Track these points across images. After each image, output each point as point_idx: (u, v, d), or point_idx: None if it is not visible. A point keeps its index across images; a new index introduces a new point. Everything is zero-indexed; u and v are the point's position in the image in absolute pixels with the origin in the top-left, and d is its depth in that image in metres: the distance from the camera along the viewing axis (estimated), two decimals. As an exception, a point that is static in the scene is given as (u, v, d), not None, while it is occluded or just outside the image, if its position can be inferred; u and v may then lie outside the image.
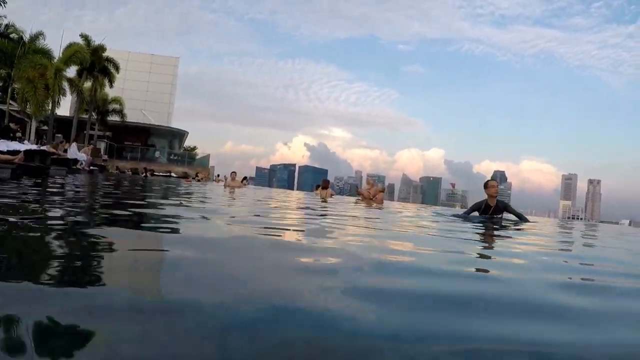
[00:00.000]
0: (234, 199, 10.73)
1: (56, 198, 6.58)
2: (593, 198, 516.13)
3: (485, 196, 9.43)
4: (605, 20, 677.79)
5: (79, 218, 4.07)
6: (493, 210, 9.24)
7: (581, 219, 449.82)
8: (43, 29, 33.10)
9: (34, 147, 16.16)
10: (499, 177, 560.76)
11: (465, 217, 9.37)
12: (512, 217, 9.81)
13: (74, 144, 23.48)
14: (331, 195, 19.52)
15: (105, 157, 47.24)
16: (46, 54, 31.93)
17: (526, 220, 9.68)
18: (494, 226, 7.53)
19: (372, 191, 17.65)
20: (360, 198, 18.30)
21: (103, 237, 2.90)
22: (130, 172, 23.14)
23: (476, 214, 9.42)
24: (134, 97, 56.95)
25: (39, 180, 10.44)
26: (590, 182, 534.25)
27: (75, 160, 22.04)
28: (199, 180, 33.21)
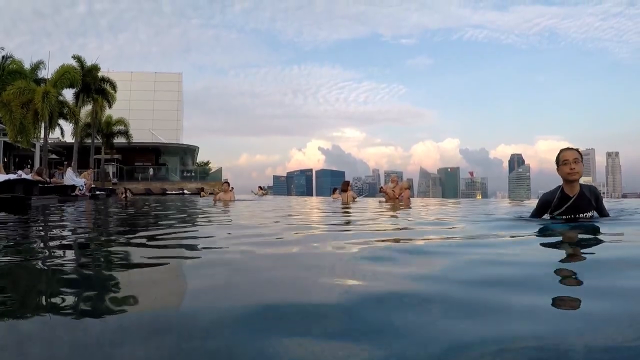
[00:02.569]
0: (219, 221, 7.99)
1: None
2: (613, 171, 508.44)
3: (557, 181, 5.42)
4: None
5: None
6: (576, 204, 5.20)
7: (603, 193, 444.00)
8: (50, 61, 32.07)
9: (12, 176, 14.63)
10: (516, 160, 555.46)
11: (543, 225, 5.14)
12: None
13: (69, 169, 22.05)
14: (354, 199, 16.94)
15: (115, 180, 46.19)
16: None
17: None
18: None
19: (397, 189, 15.84)
20: (384, 198, 16.43)
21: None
22: (123, 195, 21.62)
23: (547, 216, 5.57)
24: (141, 117, 56.39)
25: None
26: (609, 154, 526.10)
27: (74, 187, 20.67)
28: (202, 196, 31.68)
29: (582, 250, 3.41)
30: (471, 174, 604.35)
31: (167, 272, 2.82)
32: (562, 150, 5.32)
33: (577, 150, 5.26)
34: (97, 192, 25.12)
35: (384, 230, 5.04)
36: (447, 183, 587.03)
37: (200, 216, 9.11)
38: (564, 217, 5.30)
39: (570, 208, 5.24)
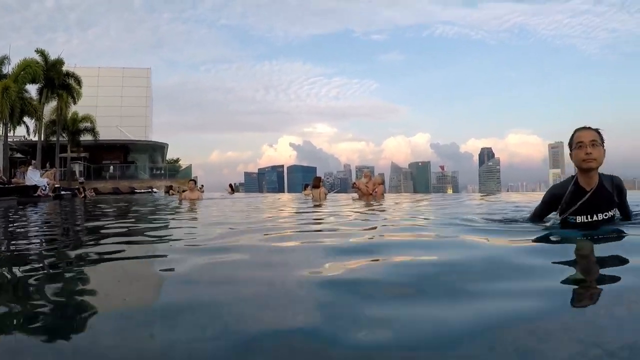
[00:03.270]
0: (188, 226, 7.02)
1: None
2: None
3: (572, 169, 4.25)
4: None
5: None
6: (594, 200, 3.99)
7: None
8: (17, 56, 31.06)
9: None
10: (486, 154, 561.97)
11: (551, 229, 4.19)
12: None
13: (30, 169, 21.17)
14: (325, 195, 16.95)
15: (82, 179, 45.04)
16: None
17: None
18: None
19: (370, 185, 15.53)
20: (357, 194, 16.05)
21: None
22: (82, 195, 20.97)
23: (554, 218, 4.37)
24: (109, 114, 54.99)
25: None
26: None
27: (36, 187, 19.86)
28: (171, 194, 31.03)
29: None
30: (442, 168, 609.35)
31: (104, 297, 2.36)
32: (576, 130, 4.04)
33: (596, 130, 3.97)
34: (62, 192, 24.25)
35: (357, 241, 4.43)
36: (419, 177, 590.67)
37: (159, 218, 8.68)
38: (577, 218, 4.04)
39: (586, 205, 4.00)
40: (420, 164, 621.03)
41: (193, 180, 19.09)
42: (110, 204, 15.96)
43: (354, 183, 16.53)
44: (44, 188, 20.28)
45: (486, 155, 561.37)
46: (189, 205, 13.11)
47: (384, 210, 8.69)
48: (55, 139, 41.82)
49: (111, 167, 52.16)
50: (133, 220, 8.43)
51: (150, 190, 43.11)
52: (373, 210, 9.01)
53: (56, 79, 36.81)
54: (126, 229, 6.37)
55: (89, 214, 10.85)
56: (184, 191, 18.50)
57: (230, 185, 33.43)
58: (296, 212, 9.34)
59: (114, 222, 7.99)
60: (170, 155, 69.68)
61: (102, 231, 6.09)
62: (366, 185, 15.46)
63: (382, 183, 15.96)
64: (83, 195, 20.57)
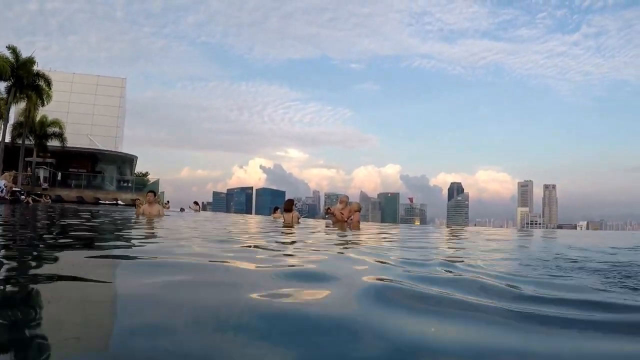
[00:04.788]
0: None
1: None
2: (550, 203, 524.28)
3: None
4: (549, 30, 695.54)
5: None
6: None
7: (539, 224, 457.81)
8: None
9: None
10: (456, 189, 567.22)
11: None
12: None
13: (-13, 171, 20.21)
14: (298, 219, 15.57)
15: (46, 185, 43.82)
16: None
17: None
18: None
19: (346, 212, 14.79)
20: (331, 221, 15.30)
21: None
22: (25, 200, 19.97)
23: None
24: (80, 121, 54.04)
25: None
26: (546, 187, 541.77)
27: (-6, 190, 18.87)
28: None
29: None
30: (411, 200, 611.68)
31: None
32: None
33: None
34: (22, 197, 23.18)
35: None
36: (387, 208, 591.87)
37: (105, 236, 7.77)
38: None
39: None
40: (389, 194, 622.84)
41: (152, 191, 16.08)
42: (55, 212, 15.04)
43: (328, 208, 15.63)
44: (0, 191, 19.26)
45: (455, 189, 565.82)
46: (145, 221, 11.42)
47: (358, 243, 7.62)
48: (26, 142, 40.69)
49: (78, 175, 50.69)
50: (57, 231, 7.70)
51: (115, 202, 41.99)
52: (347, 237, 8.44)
53: (25, 78, 35.70)
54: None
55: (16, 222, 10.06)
56: (139, 205, 15.66)
57: (196, 202, 32.57)
58: (273, 233, 8.78)
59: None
60: (139, 168, 68.34)
61: None
62: (341, 212, 14.74)
63: (359, 210, 15.05)
64: (27, 200, 19.42)
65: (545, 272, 4.10)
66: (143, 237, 6.95)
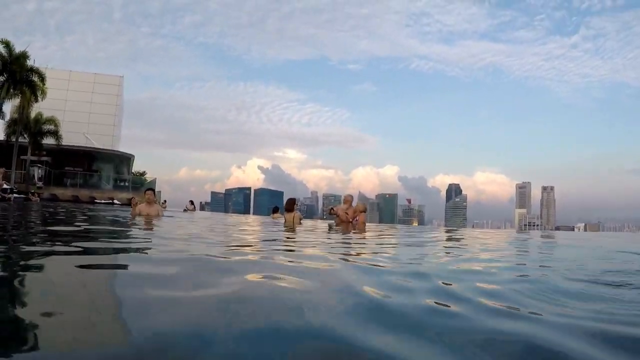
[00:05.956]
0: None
1: None
2: (548, 205, 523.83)
3: None
4: (548, 32, 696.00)
5: None
6: None
7: (537, 225, 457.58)
8: None
9: None
10: (454, 190, 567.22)
11: None
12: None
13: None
14: (300, 220, 14.36)
15: (40, 184, 43.11)
16: None
17: None
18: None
19: (351, 212, 14.09)
20: (335, 222, 14.54)
21: None
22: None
23: None
24: (76, 120, 53.50)
25: None
26: (544, 189, 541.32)
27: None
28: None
29: None
30: (409, 201, 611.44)
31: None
32: None
33: None
34: (13, 195, 22.45)
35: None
36: (385, 209, 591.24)
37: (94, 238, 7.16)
38: None
39: None
40: (387, 195, 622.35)
41: (151, 189, 14.81)
42: (39, 211, 14.28)
43: (332, 208, 14.90)
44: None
45: (454, 191, 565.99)
46: (143, 222, 10.50)
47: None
48: (21, 140, 40.09)
49: (73, 174, 50.06)
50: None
51: (111, 202, 41.30)
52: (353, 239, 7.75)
53: (18, 73, 35.02)
54: None
55: None
56: (135, 204, 14.32)
57: (191, 202, 31.74)
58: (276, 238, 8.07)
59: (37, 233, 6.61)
60: (136, 168, 67.65)
61: None
62: (346, 212, 14.03)
63: (364, 211, 14.32)
64: (8, 197, 18.68)
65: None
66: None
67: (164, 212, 15.71)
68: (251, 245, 6.00)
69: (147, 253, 4.40)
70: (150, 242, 5.87)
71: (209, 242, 5.90)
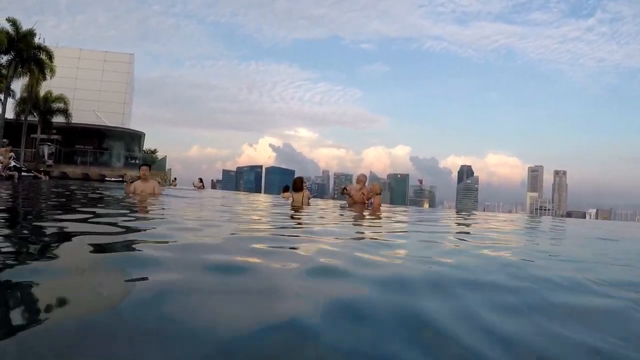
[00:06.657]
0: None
1: None
2: (559, 189, 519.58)
3: None
4: (564, 15, 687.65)
5: None
6: None
7: (548, 209, 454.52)
8: None
9: None
10: (466, 172, 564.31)
11: None
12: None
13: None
14: (308, 200, 13.47)
15: (50, 162, 42.94)
16: None
17: None
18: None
19: (365, 192, 13.53)
20: (347, 202, 14.01)
21: None
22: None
23: None
24: (87, 98, 53.57)
25: None
26: (556, 172, 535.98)
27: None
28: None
29: None
30: (420, 181, 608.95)
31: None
32: None
33: None
34: (18, 174, 22.06)
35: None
36: (396, 189, 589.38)
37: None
38: None
39: None
40: (399, 176, 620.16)
41: (146, 164, 14.01)
42: (39, 189, 13.87)
43: (344, 188, 14.33)
44: (-5, 167, 18.22)
45: (465, 172, 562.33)
46: (137, 200, 10.15)
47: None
48: (30, 118, 39.88)
49: (84, 152, 50.01)
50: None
51: (121, 179, 41.02)
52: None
53: (25, 51, 34.65)
54: None
55: None
56: (132, 181, 13.28)
57: (200, 180, 30.84)
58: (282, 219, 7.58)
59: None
60: (147, 146, 67.47)
61: None
62: (362, 193, 13.47)
63: (380, 193, 13.66)
64: (7, 175, 18.28)
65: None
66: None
67: (172, 189, 15.23)
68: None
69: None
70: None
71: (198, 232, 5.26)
